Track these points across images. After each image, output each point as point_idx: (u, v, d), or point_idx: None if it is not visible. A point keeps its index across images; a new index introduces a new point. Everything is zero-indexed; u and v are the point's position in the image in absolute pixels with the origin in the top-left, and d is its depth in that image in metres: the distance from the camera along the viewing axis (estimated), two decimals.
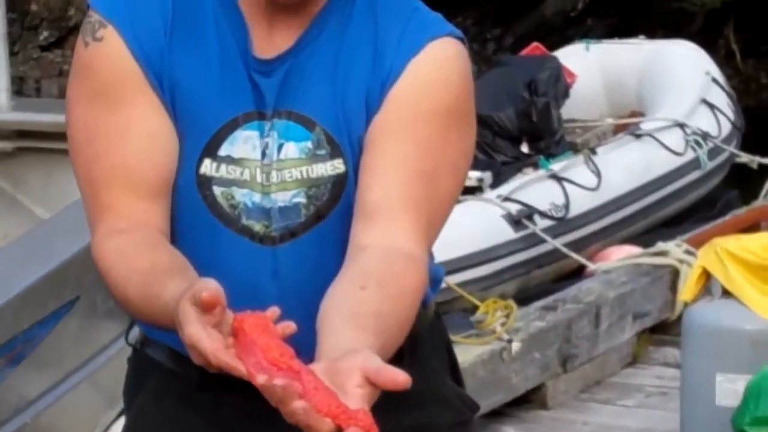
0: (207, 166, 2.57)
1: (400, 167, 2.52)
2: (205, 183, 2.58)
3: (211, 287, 2.06)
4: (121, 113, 2.55)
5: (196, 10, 2.61)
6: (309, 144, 2.57)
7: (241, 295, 2.23)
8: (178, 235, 2.59)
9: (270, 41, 2.59)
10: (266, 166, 2.57)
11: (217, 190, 2.57)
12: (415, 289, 2.45)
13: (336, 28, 2.61)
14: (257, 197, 2.57)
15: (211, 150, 2.57)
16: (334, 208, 2.60)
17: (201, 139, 2.57)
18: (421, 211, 2.52)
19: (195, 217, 2.59)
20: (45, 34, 21.17)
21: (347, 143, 2.58)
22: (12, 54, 8.78)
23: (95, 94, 2.56)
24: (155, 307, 2.33)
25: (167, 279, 2.32)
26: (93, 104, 2.57)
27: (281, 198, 2.58)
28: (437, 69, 2.59)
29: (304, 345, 2.21)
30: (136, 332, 2.80)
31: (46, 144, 7.93)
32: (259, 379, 2.00)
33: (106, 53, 2.56)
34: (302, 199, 2.59)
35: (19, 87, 8.37)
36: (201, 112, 2.57)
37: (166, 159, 2.57)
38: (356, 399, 2.01)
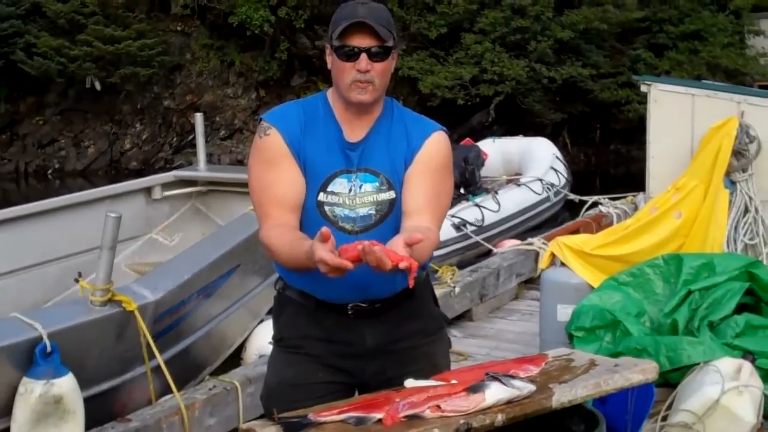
0: (321, 197, 2.73)
1: (422, 193, 2.73)
2: (320, 205, 2.73)
3: (326, 229, 2.36)
4: (277, 170, 2.71)
5: (315, 119, 2.77)
6: (377, 184, 2.75)
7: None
8: (305, 232, 2.68)
9: (352, 133, 2.76)
10: (352, 196, 2.73)
11: (327, 208, 2.74)
12: (433, 242, 2.68)
13: (384, 127, 2.79)
14: (346, 211, 2.73)
15: (323, 188, 2.73)
16: (389, 216, 2.76)
17: (318, 182, 2.73)
18: (434, 212, 2.74)
19: (315, 222, 2.68)
20: (222, 132, 21.12)
21: (396, 183, 2.76)
22: (206, 143, 8.78)
23: (265, 161, 2.73)
24: (299, 257, 2.53)
25: (302, 242, 2.54)
26: (263, 166, 2.73)
27: (362, 211, 2.74)
28: (437, 145, 2.79)
29: (374, 282, 2.68)
30: (279, 284, 2.88)
31: (223, 188, 7.95)
32: (358, 256, 2.35)
33: (271, 142, 2.72)
34: (373, 212, 2.76)
35: (209, 159, 8.35)
36: (318, 170, 2.73)
37: (299, 193, 2.73)
38: (404, 254, 2.36)
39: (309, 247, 2.42)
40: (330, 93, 2.80)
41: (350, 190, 2.72)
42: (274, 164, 2.70)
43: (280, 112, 2.79)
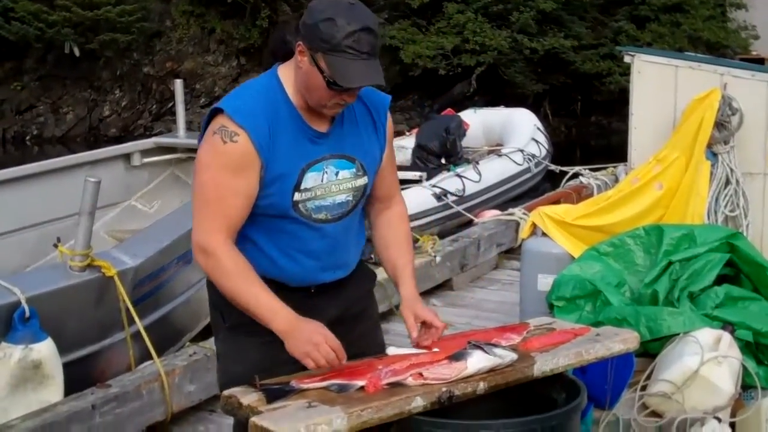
0: (297, 196, 2.59)
1: (392, 173, 2.85)
2: (296, 205, 2.60)
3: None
4: (239, 182, 2.53)
5: (279, 111, 2.56)
6: (354, 170, 2.67)
7: (309, 247, 2.63)
8: (275, 236, 2.63)
9: (318, 120, 2.61)
10: (327, 185, 2.63)
11: (301, 206, 2.61)
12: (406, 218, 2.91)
13: (349, 110, 2.66)
14: (319, 201, 2.62)
15: (297, 187, 2.59)
16: (361, 201, 2.74)
17: (291, 182, 2.58)
18: (398, 188, 2.92)
19: (290, 222, 2.62)
20: (202, 100, 21.03)
21: (370, 168, 2.72)
22: (186, 110, 8.70)
23: (229, 168, 2.51)
24: (251, 293, 2.56)
25: (260, 285, 2.58)
26: (226, 171, 2.52)
27: (339, 198, 2.66)
28: (390, 116, 2.81)
29: (346, 262, 2.75)
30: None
31: None
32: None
33: (238, 149, 2.50)
34: (350, 198, 2.69)
35: (188, 126, 8.28)
36: (290, 168, 2.57)
37: (247, 215, 2.60)
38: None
39: (278, 305, 2.51)
40: (285, 79, 2.60)
41: (324, 180, 2.62)
42: (239, 173, 2.51)
43: (247, 109, 2.52)
